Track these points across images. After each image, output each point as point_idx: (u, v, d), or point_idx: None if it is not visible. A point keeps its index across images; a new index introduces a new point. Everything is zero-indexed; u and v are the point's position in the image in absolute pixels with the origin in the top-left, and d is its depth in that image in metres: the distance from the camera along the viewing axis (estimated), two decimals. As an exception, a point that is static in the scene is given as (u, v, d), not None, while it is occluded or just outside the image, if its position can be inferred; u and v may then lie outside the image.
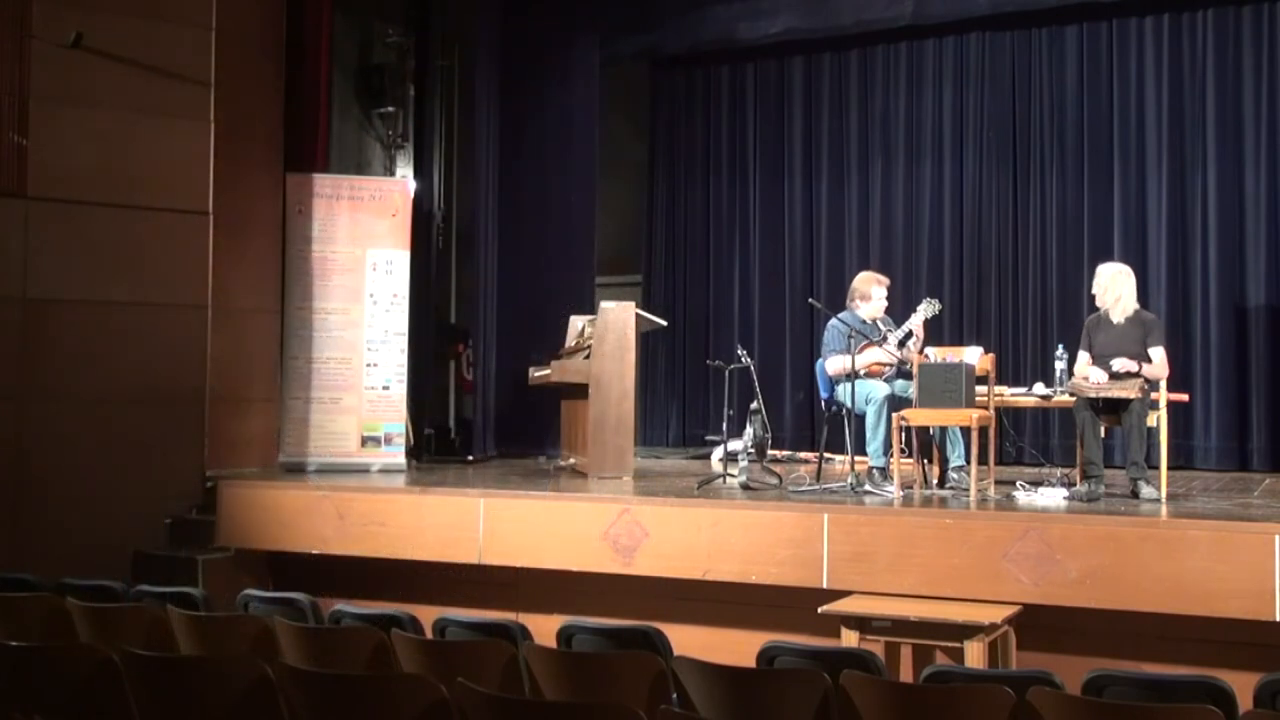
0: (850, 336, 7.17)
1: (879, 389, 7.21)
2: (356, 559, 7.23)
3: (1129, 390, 6.61)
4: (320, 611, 4.92)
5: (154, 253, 7.97)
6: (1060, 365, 7.30)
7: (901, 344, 7.35)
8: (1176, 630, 5.63)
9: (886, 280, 7.74)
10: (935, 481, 7.28)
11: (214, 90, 8.18)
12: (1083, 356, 7.05)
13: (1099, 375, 6.80)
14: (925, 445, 7.35)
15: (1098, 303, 7.05)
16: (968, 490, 6.71)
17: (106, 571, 6.10)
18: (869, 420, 7.20)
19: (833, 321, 7.57)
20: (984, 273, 9.93)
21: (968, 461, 6.87)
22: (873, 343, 7.32)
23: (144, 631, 4.60)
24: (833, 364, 7.43)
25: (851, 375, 7.13)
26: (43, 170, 7.61)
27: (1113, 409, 6.78)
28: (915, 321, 7.33)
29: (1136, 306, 6.99)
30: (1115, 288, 6.94)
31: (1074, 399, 6.86)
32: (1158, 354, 6.83)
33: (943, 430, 7.24)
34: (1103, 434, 6.85)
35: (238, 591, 5.22)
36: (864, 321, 7.48)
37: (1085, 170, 9.59)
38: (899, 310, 7.81)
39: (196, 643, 4.50)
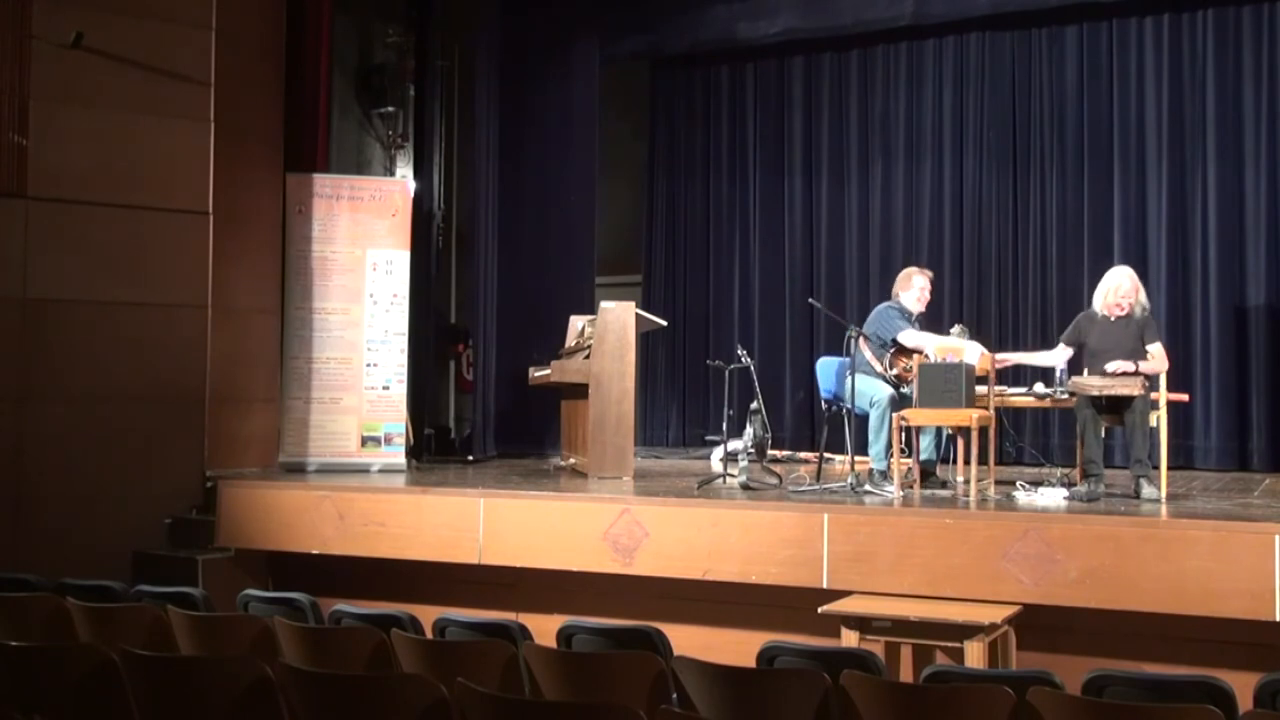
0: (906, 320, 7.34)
1: (883, 391, 7.21)
2: (356, 559, 7.23)
3: (1131, 387, 6.62)
4: (320, 611, 4.92)
5: (154, 253, 7.97)
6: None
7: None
8: (1176, 630, 5.63)
9: (929, 272, 7.75)
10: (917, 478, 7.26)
11: (214, 90, 8.17)
12: (1062, 348, 7.14)
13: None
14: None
15: (1123, 307, 6.92)
16: (946, 483, 6.72)
17: (106, 571, 6.12)
18: (872, 423, 7.20)
19: (887, 304, 7.57)
20: (984, 273, 9.93)
21: (937, 457, 6.96)
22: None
23: (144, 631, 4.60)
24: (909, 338, 7.28)
25: (869, 370, 7.17)
26: (43, 170, 7.61)
27: (1114, 408, 6.78)
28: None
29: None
30: (1134, 291, 6.97)
31: (1075, 398, 6.86)
32: (1156, 349, 6.88)
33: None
34: (1103, 434, 6.86)
35: (238, 591, 5.22)
36: (909, 315, 7.49)
37: (1085, 170, 9.59)
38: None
39: (196, 643, 4.50)
